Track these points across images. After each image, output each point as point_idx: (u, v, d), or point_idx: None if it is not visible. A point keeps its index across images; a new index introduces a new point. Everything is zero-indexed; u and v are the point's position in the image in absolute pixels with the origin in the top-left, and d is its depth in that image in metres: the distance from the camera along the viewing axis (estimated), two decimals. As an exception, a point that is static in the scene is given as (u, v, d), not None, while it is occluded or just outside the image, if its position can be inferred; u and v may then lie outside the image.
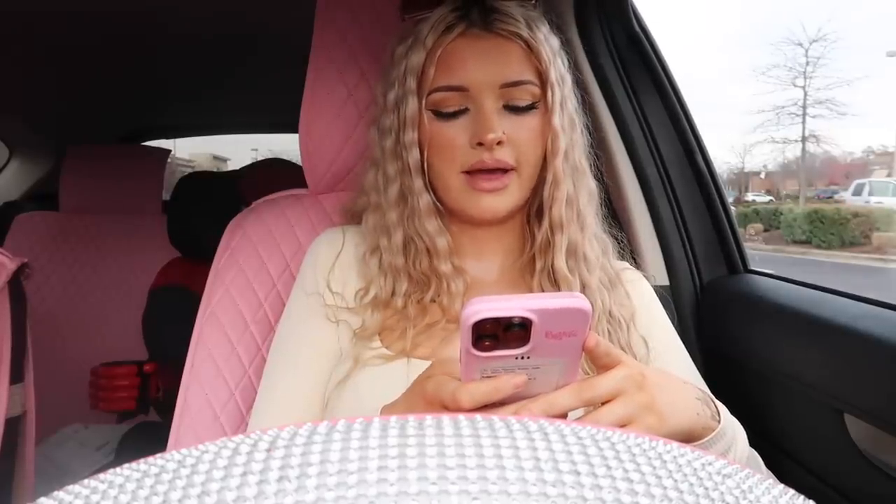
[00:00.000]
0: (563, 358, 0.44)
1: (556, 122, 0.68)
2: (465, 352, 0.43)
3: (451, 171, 0.68)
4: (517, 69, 0.67)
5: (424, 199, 0.70)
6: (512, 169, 0.67)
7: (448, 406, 0.44)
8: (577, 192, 0.71)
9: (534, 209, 0.74)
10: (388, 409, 0.54)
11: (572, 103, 0.72)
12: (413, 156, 0.69)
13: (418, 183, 0.69)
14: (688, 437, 0.51)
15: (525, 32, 0.67)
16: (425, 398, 0.47)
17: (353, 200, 0.80)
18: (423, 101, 0.68)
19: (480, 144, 0.65)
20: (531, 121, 0.68)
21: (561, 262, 0.70)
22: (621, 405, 0.46)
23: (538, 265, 0.72)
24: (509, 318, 0.41)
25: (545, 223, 0.71)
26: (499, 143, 0.65)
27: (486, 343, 0.42)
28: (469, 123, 0.67)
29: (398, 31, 0.73)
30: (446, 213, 0.72)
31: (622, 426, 0.46)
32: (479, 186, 0.67)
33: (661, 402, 0.48)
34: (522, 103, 0.67)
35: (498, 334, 0.42)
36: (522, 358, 0.43)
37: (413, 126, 0.68)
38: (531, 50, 0.68)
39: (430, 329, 0.68)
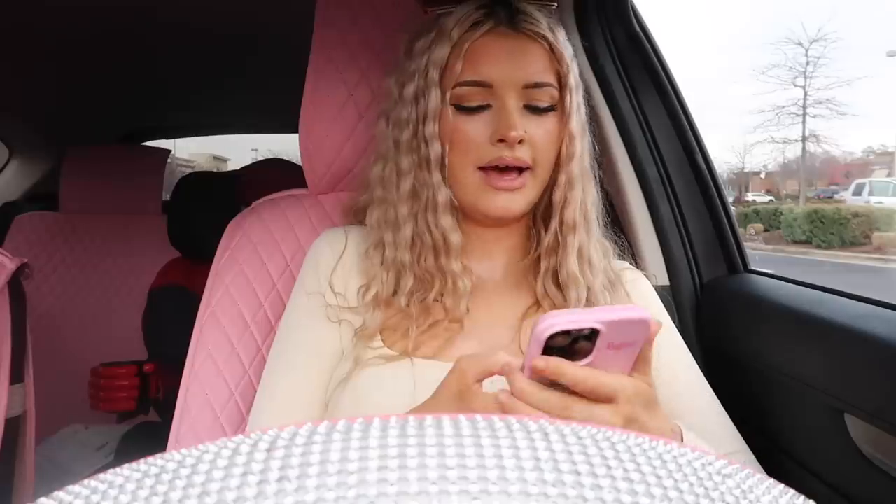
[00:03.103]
0: (617, 370, 0.47)
1: (574, 125, 0.70)
2: (534, 364, 0.45)
3: (467, 166, 0.68)
4: (540, 70, 0.68)
5: (443, 194, 0.69)
6: (528, 168, 0.67)
7: (511, 389, 0.47)
8: (586, 196, 0.72)
9: (540, 211, 0.74)
10: (419, 411, 0.55)
11: (584, 109, 0.73)
12: (434, 149, 0.68)
13: (437, 177, 0.69)
14: None
15: (549, 35, 0.68)
16: (467, 392, 0.50)
17: (355, 197, 0.80)
18: (447, 95, 0.67)
19: (501, 141, 0.65)
20: (548, 123, 0.68)
21: (573, 264, 0.70)
22: None
23: (543, 266, 0.72)
24: (579, 330, 0.43)
25: (554, 225, 0.71)
26: (520, 141, 0.65)
27: (553, 356, 0.45)
28: (490, 120, 0.67)
29: (411, 26, 0.73)
30: (461, 208, 0.72)
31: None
32: (496, 185, 0.67)
33: None
34: (542, 104, 0.68)
35: (565, 347, 0.44)
36: None
37: (435, 119, 0.68)
38: (553, 53, 0.68)
39: (433, 329, 0.68)
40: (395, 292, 0.70)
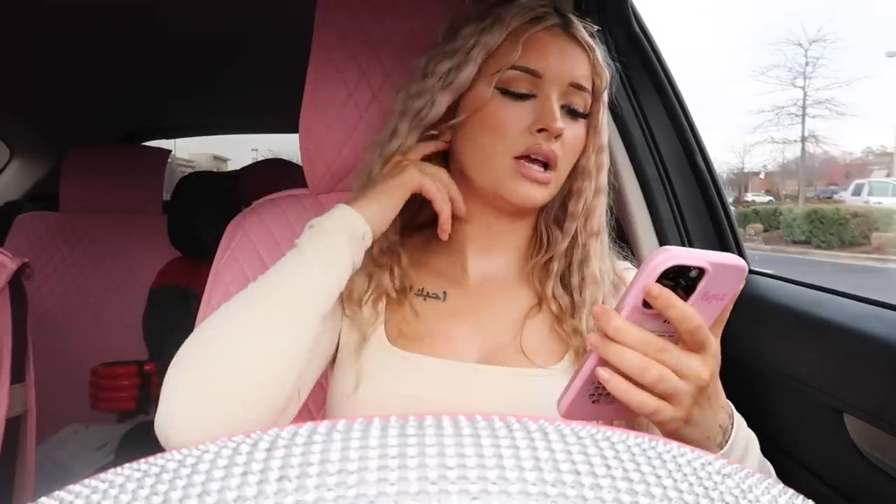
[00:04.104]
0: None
1: (603, 138, 0.73)
2: (638, 300, 0.45)
3: (502, 153, 0.68)
4: (584, 74, 0.70)
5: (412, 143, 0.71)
6: (554, 167, 0.68)
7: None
8: (601, 206, 0.74)
9: (552, 214, 0.75)
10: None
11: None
12: (435, 110, 0.70)
13: (414, 136, 0.71)
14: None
15: (594, 46, 0.71)
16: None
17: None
18: (493, 79, 0.68)
19: (541, 131, 0.66)
20: (579, 129, 0.70)
21: (594, 266, 0.71)
22: (670, 409, 0.47)
23: (554, 268, 0.72)
24: (688, 269, 0.44)
25: (574, 229, 0.73)
26: (558, 135, 0.67)
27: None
28: (533, 109, 0.68)
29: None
30: (472, 196, 0.72)
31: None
32: (526, 173, 0.67)
33: (693, 419, 0.49)
34: (578, 108, 0.70)
35: (668, 289, 0.44)
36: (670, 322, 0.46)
37: (456, 90, 0.69)
38: (594, 66, 0.71)
39: (432, 324, 0.69)
40: (391, 275, 0.71)
